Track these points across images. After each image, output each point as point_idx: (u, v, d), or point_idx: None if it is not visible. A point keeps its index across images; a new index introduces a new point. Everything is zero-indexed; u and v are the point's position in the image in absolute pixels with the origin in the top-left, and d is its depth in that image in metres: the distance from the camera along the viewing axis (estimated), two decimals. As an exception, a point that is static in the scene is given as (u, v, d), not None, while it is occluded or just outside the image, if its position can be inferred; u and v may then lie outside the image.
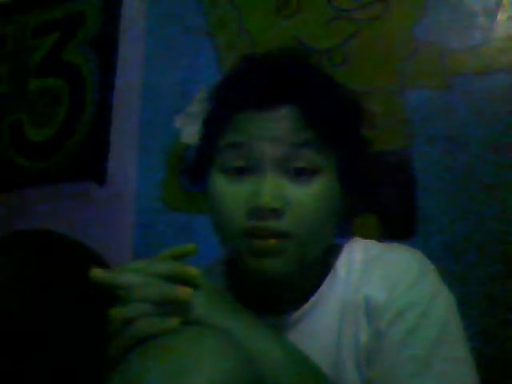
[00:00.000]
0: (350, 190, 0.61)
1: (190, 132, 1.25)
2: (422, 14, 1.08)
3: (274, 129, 0.57)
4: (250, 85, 0.60)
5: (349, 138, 0.61)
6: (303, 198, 0.57)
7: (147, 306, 0.49)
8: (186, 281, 0.51)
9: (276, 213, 0.55)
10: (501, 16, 1.02)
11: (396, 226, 1.02)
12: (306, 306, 0.62)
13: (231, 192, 0.58)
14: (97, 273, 0.51)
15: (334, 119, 0.59)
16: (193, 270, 0.51)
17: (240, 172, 0.58)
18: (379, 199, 1.01)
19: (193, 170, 0.67)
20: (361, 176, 0.63)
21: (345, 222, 0.65)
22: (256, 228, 0.56)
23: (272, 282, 0.59)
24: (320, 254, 0.62)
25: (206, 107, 0.66)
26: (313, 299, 0.62)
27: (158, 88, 1.34)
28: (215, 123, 0.63)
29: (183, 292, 0.49)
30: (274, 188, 0.56)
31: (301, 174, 0.57)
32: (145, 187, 1.31)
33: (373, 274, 0.60)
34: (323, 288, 0.63)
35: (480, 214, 0.96)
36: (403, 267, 0.60)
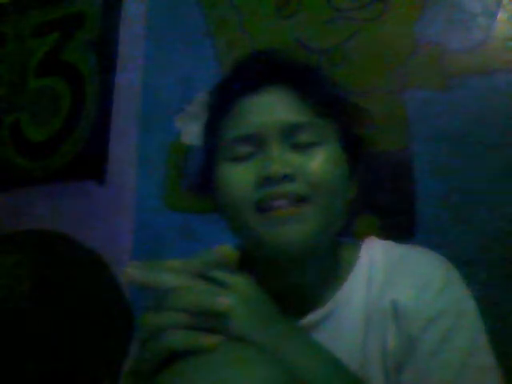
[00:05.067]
0: (353, 157, 0.63)
1: (190, 132, 1.25)
2: (421, 14, 1.08)
3: (273, 111, 0.59)
4: (247, 72, 0.63)
5: (342, 109, 0.65)
6: (311, 163, 0.58)
7: (183, 315, 0.45)
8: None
9: (288, 178, 0.56)
10: (501, 16, 1.02)
11: (396, 227, 1.02)
12: (328, 308, 0.61)
13: (239, 170, 0.59)
14: (133, 271, 0.46)
15: (327, 95, 0.63)
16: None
17: (247, 157, 0.59)
18: (379, 199, 1.02)
19: (200, 171, 0.67)
20: (360, 142, 0.65)
21: (347, 220, 0.64)
22: (270, 194, 0.55)
23: (291, 259, 0.57)
24: (340, 226, 0.61)
25: (206, 108, 0.67)
26: (334, 300, 0.61)
27: (157, 88, 1.34)
28: (218, 118, 0.64)
29: (223, 304, 0.45)
30: (281, 157, 0.57)
31: (304, 147, 0.59)
32: (145, 187, 1.31)
33: (398, 278, 0.59)
34: (345, 289, 0.62)
35: (480, 215, 0.96)
36: (429, 271, 0.59)
